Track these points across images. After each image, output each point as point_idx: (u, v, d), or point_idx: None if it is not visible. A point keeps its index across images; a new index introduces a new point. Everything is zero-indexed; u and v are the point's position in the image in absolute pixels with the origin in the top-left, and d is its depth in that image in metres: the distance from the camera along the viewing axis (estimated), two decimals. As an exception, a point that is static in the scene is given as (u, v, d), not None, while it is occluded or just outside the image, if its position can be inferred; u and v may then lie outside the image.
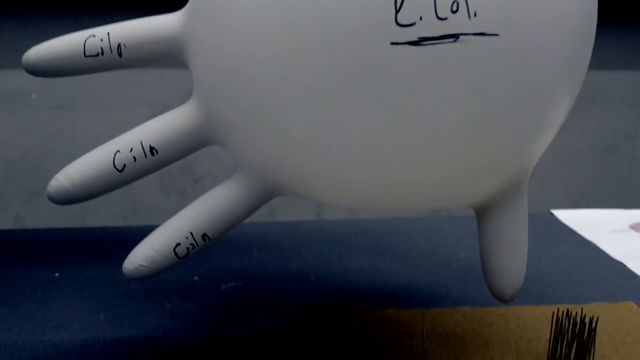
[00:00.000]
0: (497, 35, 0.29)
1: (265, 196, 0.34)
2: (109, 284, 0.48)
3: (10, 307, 0.44)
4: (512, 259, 0.35)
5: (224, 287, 0.48)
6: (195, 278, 0.49)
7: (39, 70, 0.33)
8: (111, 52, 0.32)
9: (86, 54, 0.32)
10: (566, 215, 0.62)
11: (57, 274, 0.49)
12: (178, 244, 0.33)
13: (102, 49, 0.32)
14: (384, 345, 0.40)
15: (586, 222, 0.61)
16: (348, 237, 0.58)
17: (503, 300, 0.36)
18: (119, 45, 0.32)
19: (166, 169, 0.34)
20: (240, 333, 0.42)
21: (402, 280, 0.50)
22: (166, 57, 0.33)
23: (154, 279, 0.48)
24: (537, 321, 0.42)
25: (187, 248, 0.33)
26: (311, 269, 0.51)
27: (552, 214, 0.63)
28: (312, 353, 0.39)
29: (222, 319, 0.44)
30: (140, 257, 0.33)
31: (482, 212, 0.35)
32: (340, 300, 0.46)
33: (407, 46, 0.28)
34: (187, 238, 0.33)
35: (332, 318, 0.43)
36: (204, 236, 0.33)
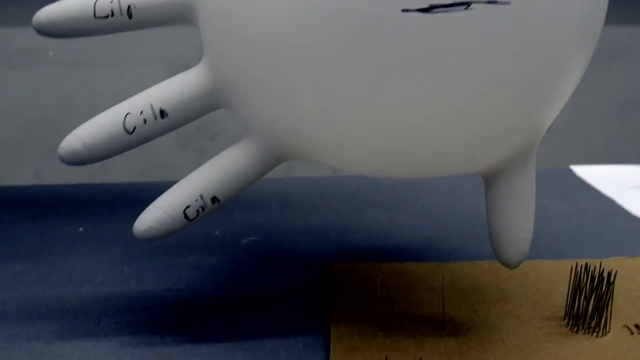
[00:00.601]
0: (508, 3, 0.29)
1: (274, 160, 0.34)
2: (131, 239, 0.48)
3: (36, 262, 0.45)
4: (519, 225, 0.35)
5: (244, 241, 0.49)
6: (217, 232, 0.50)
7: (49, 32, 0.33)
8: (121, 13, 0.32)
9: (96, 16, 0.32)
10: (585, 171, 0.63)
11: (81, 229, 0.50)
12: (188, 207, 0.33)
13: (112, 10, 0.32)
14: (404, 299, 0.40)
15: (605, 177, 0.61)
16: (366, 193, 0.58)
17: (509, 266, 0.36)
18: (129, 6, 0.32)
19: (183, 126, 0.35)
20: (261, 286, 0.43)
21: (421, 235, 0.50)
22: (176, 19, 0.33)
23: (176, 234, 0.49)
24: (556, 275, 0.43)
25: (197, 210, 0.33)
26: (330, 224, 0.52)
27: (570, 170, 0.63)
28: (332, 306, 0.39)
29: (243, 272, 0.45)
30: (151, 219, 0.33)
31: (490, 179, 0.35)
32: (359, 255, 0.47)
33: (418, 13, 0.28)
34: (196, 201, 0.33)
35: (352, 272, 0.43)
36: (213, 199, 0.33)
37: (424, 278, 0.43)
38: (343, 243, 0.49)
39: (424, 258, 0.46)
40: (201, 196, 0.33)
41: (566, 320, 0.38)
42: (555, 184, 0.60)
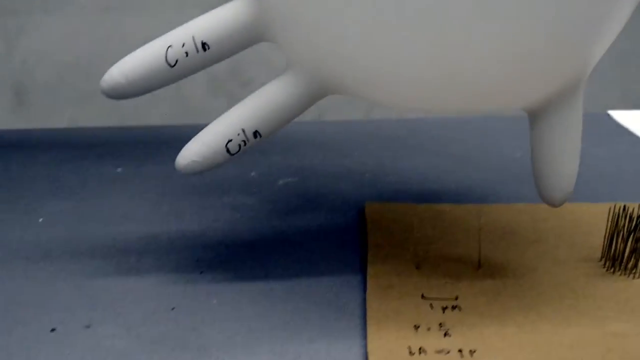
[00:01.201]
0: None
1: (316, 94, 0.34)
2: (169, 179, 0.49)
3: (77, 201, 0.46)
4: (564, 163, 0.35)
5: (280, 182, 0.49)
6: (253, 174, 0.51)
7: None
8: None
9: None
10: (623, 116, 0.62)
11: (119, 169, 0.51)
12: (230, 140, 0.33)
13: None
14: (440, 239, 0.41)
15: (644, 122, 0.60)
16: (401, 137, 0.58)
17: (553, 205, 0.36)
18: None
19: (214, 71, 0.35)
20: (297, 226, 0.43)
21: (456, 178, 0.50)
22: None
23: (213, 175, 0.50)
24: (593, 218, 0.43)
25: (239, 144, 0.34)
26: (365, 166, 0.52)
27: (609, 114, 0.63)
28: (368, 245, 0.40)
29: (279, 212, 0.45)
30: (193, 153, 0.34)
31: (536, 116, 0.35)
32: (395, 197, 0.47)
33: None
34: (238, 135, 0.33)
35: (388, 212, 0.44)
36: (255, 133, 0.34)
37: (460, 219, 0.43)
38: (379, 185, 0.49)
39: (460, 201, 0.46)
40: (243, 130, 0.33)
41: (603, 262, 0.38)
42: (593, 129, 0.59)
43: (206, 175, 0.50)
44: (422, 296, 0.35)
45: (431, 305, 0.35)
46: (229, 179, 0.50)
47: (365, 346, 0.32)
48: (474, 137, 0.58)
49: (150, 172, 0.51)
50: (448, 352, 0.31)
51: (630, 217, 0.39)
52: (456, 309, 0.35)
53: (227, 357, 0.32)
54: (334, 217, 0.44)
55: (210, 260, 0.40)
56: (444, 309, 0.35)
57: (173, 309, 0.35)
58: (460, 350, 0.31)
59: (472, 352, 0.31)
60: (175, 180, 0.49)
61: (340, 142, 0.57)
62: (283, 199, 0.47)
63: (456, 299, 0.35)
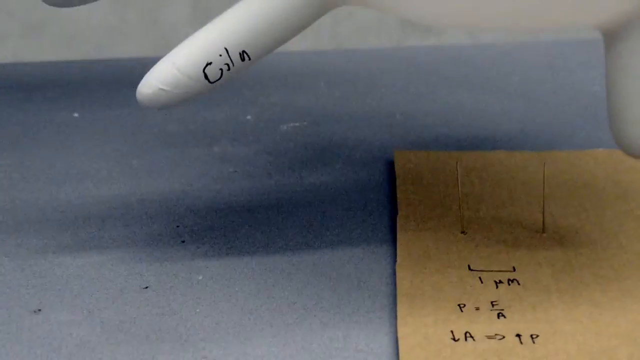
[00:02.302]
0: None
1: (322, 4, 0.34)
2: (141, 125, 0.49)
3: (24, 154, 0.46)
4: None
5: (284, 127, 0.49)
6: (249, 117, 0.51)
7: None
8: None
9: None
10: None
11: (76, 114, 0.51)
12: (209, 63, 0.33)
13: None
14: (492, 195, 0.40)
15: None
16: (442, 67, 0.58)
17: (631, 153, 0.36)
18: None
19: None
20: (306, 182, 0.43)
21: (515, 118, 0.50)
22: None
23: (196, 119, 0.50)
24: (692, 166, 0.43)
25: (221, 69, 0.33)
26: (395, 105, 0.52)
27: None
28: (398, 205, 0.40)
29: (283, 165, 0.45)
30: (161, 79, 0.33)
31: (612, 37, 0.35)
32: (435, 143, 0.47)
33: None
34: (220, 55, 0.33)
35: (424, 162, 0.44)
36: (242, 54, 0.33)
37: (518, 169, 0.43)
38: (412, 129, 0.49)
39: (518, 147, 0.46)
40: (226, 50, 0.33)
41: None
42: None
43: (188, 120, 0.50)
44: (469, 268, 0.35)
45: (480, 279, 0.35)
46: (219, 123, 0.49)
47: (394, 332, 0.32)
48: (537, 67, 0.58)
49: (116, 118, 0.50)
50: (503, 337, 0.31)
51: None
52: (513, 283, 0.34)
53: (215, 348, 0.32)
54: (354, 171, 0.44)
55: (193, 226, 0.39)
56: (498, 283, 0.34)
57: (146, 288, 0.35)
58: (518, 335, 0.31)
59: (533, 338, 0.31)
60: (149, 127, 0.49)
61: (361, 74, 0.57)
62: (288, 149, 0.47)
63: (513, 270, 0.35)
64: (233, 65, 0.33)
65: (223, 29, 0.33)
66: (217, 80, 0.33)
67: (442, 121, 0.50)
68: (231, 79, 0.34)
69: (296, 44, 0.70)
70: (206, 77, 0.33)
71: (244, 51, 0.33)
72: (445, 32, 0.88)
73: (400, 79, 0.56)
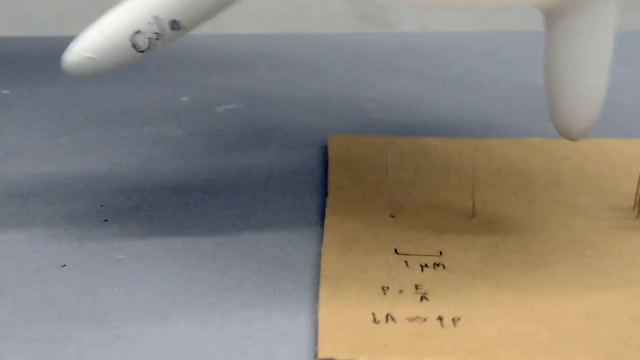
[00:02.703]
0: None
1: None
2: (73, 104, 0.48)
3: (-52, 130, 0.45)
4: (589, 80, 0.35)
5: (220, 109, 0.49)
6: (184, 98, 0.50)
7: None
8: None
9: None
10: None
11: (5, 91, 0.50)
12: (137, 32, 0.32)
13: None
14: (423, 180, 0.40)
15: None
16: (385, 54, 0.58)
17: (570, 137, 0.36)
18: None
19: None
20: (241, 165, 0.42)
21: (453, 107, 0.50)
22: None
23: (129, 99, 0.49)
24: (626, 157, 0.43)
25: (149, 38, 0.33)
26: (335, 90, 0.52)
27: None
28: (329, 188, 0.39)
29: (217, 147, 0.44)
30: (87, 47, 0.32)
31: (553, 15, 0.35)
32: (371, 128, 0.47)
33: None
34: (149, 24, 0.32)
35: (358, 146, 0.43)
36: (172, 23, 0.33)
37: (453, 156, 0.42)
38: (350, 115, 0.49)
39: (453, 134, 0.46)
40: (155, 18, 0.32)
41: (636, 211, 0.38)
42: (628, 49, 0.59)
43: (121, 100, 0.49)
44: (396, 251, 0.35)
45: (406, 263, 0.34)
46: (152, 103, 0.49)
47: (316, 313, 0.31)
48: (478, 57, 0.58)
49: (48, 96, 0.49)
50: (424, 319, 0.31)
51: (674, 153, 0.38)
52: (439, 267, 0.34)
53: (130, 327, 0.31)
54: (287, 154, 0.44)
55: (118, 205, 0.39)
56: (423, 267, 0.34)
57: (63, 266, 0.34)
58: (440, 318, 0.31)
59: (455, 321, 0.30)
60: (80, 105, 0.48)
61: (304, 58, 0.56)
62: (222, 131, 0.46)
63: (440, 254, 0.35)
64: (163, 35, 0.33)
65: None
66: (146, 50, 0.33)
67: (380, 107, 0.50)
68: (162, 48, 0.33)
69: (248, 30, 0.70)
70: (134, 46, 0.33)
71: (174, 20, 0.33)
72: (401, 23, 0.88)
73: (344, 65, 0.56)
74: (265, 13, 0.92)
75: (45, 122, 0.46)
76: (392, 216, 0.37)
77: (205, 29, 0.35)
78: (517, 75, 0.55)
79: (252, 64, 0.55)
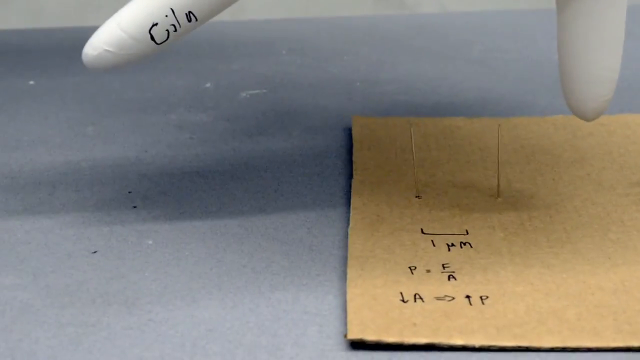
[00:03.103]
0: None
1: None
2: (98, 93, 0.49)
3: (-24, 121, 0.46)
4: (602, 61, 0.35)
5: (244, 94, 0.49)
6: (208, 85, 0.50)
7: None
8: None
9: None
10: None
11: (32, 82, 0.50)
12: (155, 24, 0.33)
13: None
14: (448, 160, 0.40)
15: None
16: (405, 36, 0.58)
17: (584, 117, 0.36)
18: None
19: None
20: (265, 149, 0.43)
21: (477, 86, 0.50)
22: None
23: (154, 86, 0.49)
24: (650, 132, 0.43)
25: (167, 30, 0.33)
26: (356, 73, 0.52)
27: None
28: (354, 170, 0.39)
29: (242, 132, 0.45)
30: (106, 40, 0.33)
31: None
32: (394, 110, 0.47)
33: None
34: (166, 16, 0.33)
35: (382, 128, 0.43)
36: (189, 15, 0.33)
37: (476, 135, 0.42)
38: (373, 97, 0.49)
39: (477, 114, 0.46)
40: (172, 10, 0.33)
41: (662, 187, 0.38)
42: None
43: (146, 87, 0.49)
44: (422, 231, 0.35)
45: (433, 242, 0.34)
46: (177, 90, 0.49)
47: (344, 294, 0.31)
48: (501, 35, 0.57)
49: (73, 85, 0.50)
50: (452, 298, 0.31)
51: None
52: (466, 245, 0.34)
53: (161, 311, 0.31)
54: (311, 138, 0.44)
55: (146, 192, 0.39)
56: (450, 246, 0.34)
57: (94, 252, 0.35)
58: (468, 297, 0.31)
59: (483, 299, 0.31)
60: (105, 94, 0.49)
61: (325, 43, 0.57)
62: (246, 116, 0.46)
63: (466, 233, 0.35)
64: (180, 26, 0.33)
65: None
66: (164, 42, 0.33)
67: (403, 89, 0.50)
68: (179, 40, 0.33)
69: (266, 14, 0.70)
70: (152, 38, 0.33)
71: (190, 12, 0.33)
72: (419, 4, 0.88)
73: (364, 47, 0.56)
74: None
75: (71, 111, 0.47)
76: (418, 197, 0.37)
77: (224, 16, 0.35)
78: (538, 52, 0.55)
79: (273, 48, 0.55)
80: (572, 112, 0.36)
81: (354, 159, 0.40)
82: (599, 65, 0.35)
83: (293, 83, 0.50)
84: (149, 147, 0.43)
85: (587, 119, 0.36)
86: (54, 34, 0.59)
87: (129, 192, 0.39)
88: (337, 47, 0.56)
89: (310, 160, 0.41)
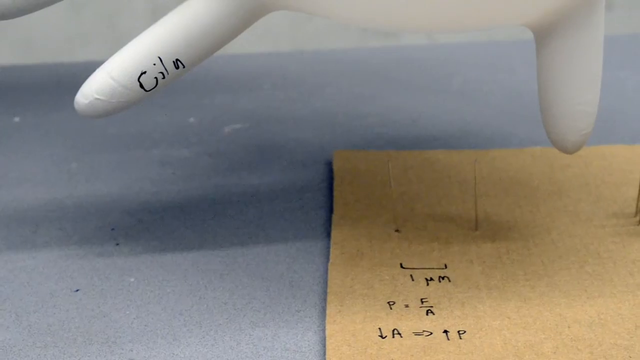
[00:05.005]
0: None
1: (254, 11, 0.34)
2: (83, 129, 0.49)
3: (-39, 159, 0.46)
4: (580, 96, 0.35)
5: (227, 130, 0.49)
6: (191, 120, 0.50)
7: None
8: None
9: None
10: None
11: (17, 119, 0.50)
12: (143, 73, 0.33)
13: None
14: (427, 193, 0.40)
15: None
16: (388, 68, 0.58)
17: (565, 150, 0.36)
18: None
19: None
20: (245, 185, 0.43)
21: (456, 119, 0.50)
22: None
23: (138, 122, 0.49)
24: (627, 163, 0.43)
25: (156, 78, 0.33)
26: (338, 107, 0.52)
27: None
28: (335, 204, 0.40)
29: (224, 167, 0.45)
30: (96, 88, 0.33)
31: (544, 35, 0.35)
32: (376, 143, 0.47)
33: None
34: (154, 65, 0.33)
35: (362, 161, 0.43)
36: (176, 62, 0.33)
37: (455, 168, 0.42)
38: (354, 130, 0.49)
39: (457, 145, 0.46)
40: (160, 59, 0.33)
41: (638, 218, 0.38)
42: (626, 52, 0.59)
43: (129, 123, 0.49)
44: (401, 266, 0.35)
45: (412, 277, 0.34)
46: (159, 126, 0.49)
47: (324, 330, 0.31)
48: (479, 67, 0.58)
49: (57, 121, 0.50)
50: (430, 333, 0.31)
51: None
52: (444, 280, 0.34)
53: (142, 350, 0.31)
54: (293, 172, 0.44)
55: (129, 228, 0.39)
56: (428, 280, 0.34)
57: (77, 290, 0.35)
58: (445, 332, 0.31)
59: (460, 334, 0.31)
60: (89, 131, 0.48)
61: (306, 76, 0.57)
62: (229, 151, 0.46)
63: (445, 267, 0.35)
64: (168, 73, 0.33)
65: (156, 38, 0.33)
66: (152, 89, 0.33)
67: (384, 121, 0.50)
68: (167, 86, 0.34)
69: (252, 48, 0.70)
70: (141, 86, 0.33)
71: (177, 59, 0.33)
72: (404, 34, 0.88)
73: (347, 80, 0.56)
74: (268, 31, 0.93)
75: (55, 148, 0.47)
76: (397, 230, 0.37)
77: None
78: (517, 83, 0.55)
79: (257, 83, 0.55)
80: (553, 145, 0.36)
81: (334, 193, 0.40)
82: (578, 101, 0.35)
83: (276, 117, 0.50)
84: (132, 183, 0.43)
85: (568, 152, 0.36)
86: (40, 70, 0.59)
87: (112, 229, 0.39)
88: (320, 80, 0.56)
89: (292, 195, 0.42)
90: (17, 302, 0.34)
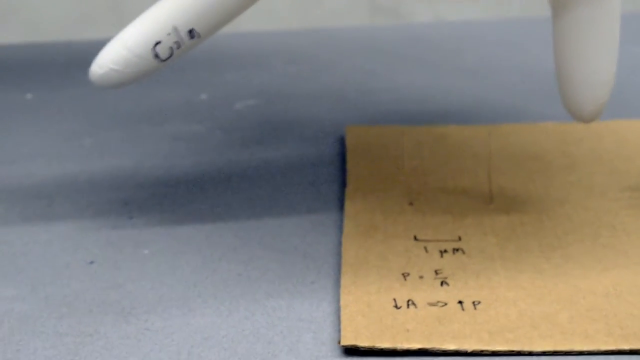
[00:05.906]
0: None
1: None
2: (95, 105, 0.49)
3: (-26, 135, 0.46)
4: (598, 65, 0.35)
5: (238, 105, 0.49)
6: (203, 96, 0.50)
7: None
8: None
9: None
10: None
11: (29, 96, 0.50)
12: (158, 42, 0.33)
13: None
14: (440, 167, 0.40)
15: None
16: (399, 45, 0.58)
17: (581, 119, 0.36)
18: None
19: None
20: (259, 159, 0.43)
21: (468, 94, 0.50)
22: None
23: (149, 98, 0.49)
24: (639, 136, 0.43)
25: (171, 47, 0.33)
26: (349, 83, 0.52)
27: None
28: (347, 178, 0.39)
29: (237, 142, 0.45)
30: (111, 59, 0.33)
31: (559, 4, 0.35)
32: (387, 118, 0.47)
33: None
34: (169, 34, 0.33)
35: (375, 137, 0.43)
36: (191, 32, 0.33)
37: (468, 143, 0.42)
38: (366, 106, 0.49)
39: (469, 122, 0.46)
40: (175, 28, 0.33)
41: (652, 191, 0.38)
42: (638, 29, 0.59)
43: (142, 100, 0.50)
44: (415, 238, 0.35)
45: (425, 249, 0.34)
46: (171, 102, 0.49)
47: (338, 301, 0.31)
48: (491, 44, 0.57)
49: (70, 97, 0.50)
50: (445, 304, 0.31)
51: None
52: (458, 252, 0.34)
53: (157, 320, 0.31)
54: (305, 147, 0.44)
55: (142, 202, 0.39)
56: (442, 252, 0.34)
57: (92, 262, 0.35)
58: (460, 302, 0.31)
59: (475, 304, 0.31)
60: (102, 107, 0.49)
61: (320, 54, 0.57)
62: (241, 127, 0.46)
63: (459, 240, 0.35)
64: (183, 43, 0.33)
65: (171, 7, 0.33)
66: (168, 59, 0.33)
67: (396, 98, 0.50)
68: (183, 56, 0.34)
69: (261, 26, 0.70)
70: (156, 55, 0.33)
71: (192, 29, 0.33)
72: (413, 13, 0.88)
73: (358, 58, 0.56)
74: (279, 9, 0.93)
75: (68, 124, 0.47)
76: (411, 204, 0.37)
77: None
78: (530, 60, 0.55)
79: (268, 60, 0.55)
80: (569, 114, 0.36)
81: (347, 167, 0.40)
82: (596, 69, 0.35)
83: (287, 94, 0.50)
84: (145, 158, 0.43)
85: (584, 121, 0.36)
86: (51, 48, 0.59)
87: (126, 204, 0.39)
88: (331, 57, 0.56)
89: (305, 170, 0.42)
90: (33, 274, 0.34)
